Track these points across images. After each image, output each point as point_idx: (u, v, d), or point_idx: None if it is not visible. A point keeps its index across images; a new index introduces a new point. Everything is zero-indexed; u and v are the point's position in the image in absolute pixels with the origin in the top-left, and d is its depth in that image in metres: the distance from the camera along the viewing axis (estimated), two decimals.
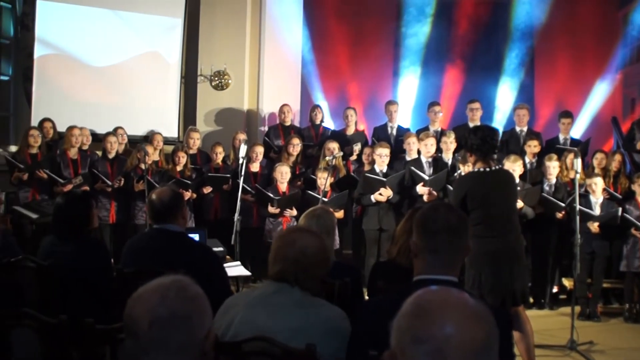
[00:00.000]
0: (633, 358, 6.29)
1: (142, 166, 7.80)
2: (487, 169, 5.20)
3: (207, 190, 8.32)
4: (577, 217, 6.44)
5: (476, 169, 5.27)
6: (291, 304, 2.60)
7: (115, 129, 8.72)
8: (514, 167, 7.36)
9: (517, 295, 5.13)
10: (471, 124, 8.93)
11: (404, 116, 10.95)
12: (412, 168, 7.87)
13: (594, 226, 7.37)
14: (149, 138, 8.89)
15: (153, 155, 8.22)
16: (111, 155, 8.38)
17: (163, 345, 1.75)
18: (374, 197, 7.77)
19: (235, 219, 6.78)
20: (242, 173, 6.97)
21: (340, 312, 2.68)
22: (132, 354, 1.78)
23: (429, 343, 1.44)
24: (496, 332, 1.51)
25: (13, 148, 9.15)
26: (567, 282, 7.85)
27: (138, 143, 8.45)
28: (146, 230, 6.60)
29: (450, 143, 8.18)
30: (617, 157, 8.16)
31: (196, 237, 5.41)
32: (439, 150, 8.30)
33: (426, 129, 8.97)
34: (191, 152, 8.86)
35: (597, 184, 7.52)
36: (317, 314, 2.60)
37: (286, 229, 2.84)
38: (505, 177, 5.37)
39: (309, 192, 7.90)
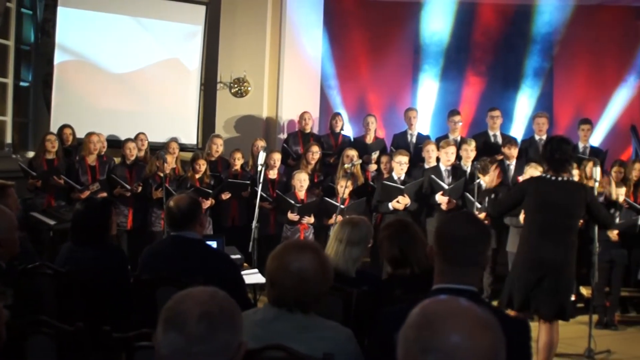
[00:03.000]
0: None
1: (161, 173, 7.85)
2: (554, 178, 5.26)
3: (226, 196, 8.36)
4: (596, 226, 6.41)
5: (545, 175, 5.34)
6: (293, 329, 2.53)
7: (136, 135, 8.79)
8: (534, 174, 7.36)
9: (542, 308, 5.18)
10: (491, 132, 8.95)
11: (423, 123, 10.94)
12: (432, 176, 7.86)
13: (613, 234, 7.35)
14: (165, 145, 8.93)
15: (171, 162, 8.28)
16: (130, 162, 8.46)
17: (208, 341, 1.76)
18: (392, 205, 7.77)
19: (253, 226, 6.80)
20: (261, 180, 7.00)
21: (346, 333, 2.62)
22: (170, 348, 1.77)
23: (435, 353, 1.46)
24: (503, 341, 1.52)
25: (31, 154, 9.23)
26: (585, 291, 7.80)
27: (157, 150, 8.50)
28: (164, 237, 6.64)
29: (470, 151, 8.14)
30: (638, 166, 8.11)
31: (214, 244, 5.43)
32: (458, 158, 8.29)
33: (445, 137, 8.95)
34: (212, 159, 8.89)
35: (618, 194, 7.50)
36: (322, 338, 2.53)
37: (281, 246, 2.69)
38: (572, 191, 5.33)
39: (328, 199, 7.91)
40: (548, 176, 5.28)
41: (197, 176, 8.33)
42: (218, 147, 9.01)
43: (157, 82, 10.09)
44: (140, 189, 8.16)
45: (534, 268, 5.21)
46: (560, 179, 5.24)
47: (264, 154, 6.97)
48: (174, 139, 9.08)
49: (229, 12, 10.31)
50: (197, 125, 10.32)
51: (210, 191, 8.11)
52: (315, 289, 2.55)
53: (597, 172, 6.45)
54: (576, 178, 7.75)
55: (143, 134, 8.91)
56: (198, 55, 10.34)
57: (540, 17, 11.78)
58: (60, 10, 9.49)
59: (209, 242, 4.73)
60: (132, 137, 8.73)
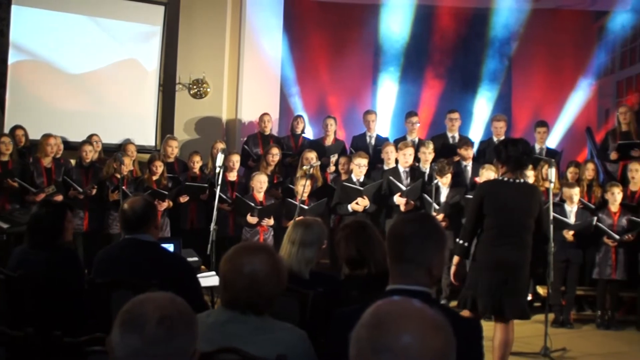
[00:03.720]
0: None
1: (118, 175, 7.76)
2: (512, 180, 5.29)
3: (184, 199, 8.30)
4: (551, 226, 6.52)
5: (501, 178, 5.36)
6: (246, 332, 2.51)
7: (90, 137, 8.67)
8: (489, 176, 7.49)
9: (505, 309, 5.23)
10: (449, 134, 9.03)
11: (383, 125, 11.00)
12: (390, 178, 7.92)
13: (569, 234, 7.48)
14: (122, 147, 8.84)
15: (128, 164, 8.19)
16: (86, 164, 8.34)
17: (165, 345, 1.77)
18: (351, 207, 7.80)
19: (212, 228, 6.75)
20: (219, 182, 6.95)
21: (299, 334, 2.60)
22: (127, 350, 1.77)
23: (387, 353, 1.46)
24: (453, 343, 1.53)
25: None
26: (542, 290, 7.92)
27: (114, 152, 8.40)
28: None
29: (428, 153, 8.23)
30: (591, 166, 8.25)
31: (170, 247, 5.38)
32: (416, 159, 8.36)
33: (404, 138, 9.03)
34: (169, 160, 8.83)
35: (572, 194, 7.63)
36: (275, 340, 2.52)
37: (234, 249, 2.65)
38: (528, 193, 5.39)
39: (289, 199, 7.89)
40: (505, 179, 5.32)
41: (154, 178, 8.25)
42: (173, 149, 8.95)
43: (114, 82, 9.96)
44: (94, 191, 8.05)
45: (497, 270, 5.24)
46: (517, 180, 5.30)
47: (222, 155, 6.91)
48: (132, 141, 8.97)
49: (187, 12, 10.23)
50: (155, 126, 10.22)
51: (166, 193, 8.05)
52: (268, 291, 2.53)
53: (552, 173, 6.57)
54: (532, 179, 7.89)
55: (97, 135, 8.80)
56: (156, 56, 10.24)
57: (498, 20, 11.93)
58: (15, 9, 9.32)
59: (165, 245, 4.68)
60: (88, 138, 8.60)
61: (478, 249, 5.39)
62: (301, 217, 4.19)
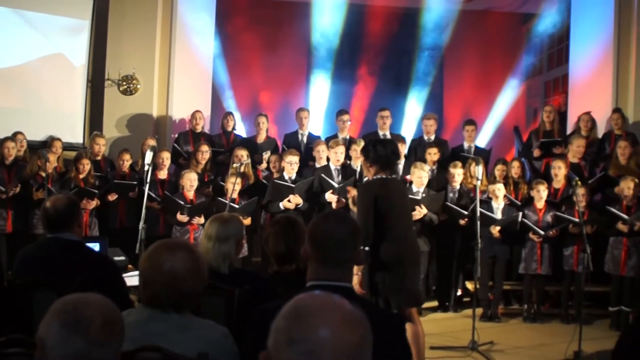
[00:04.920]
0: (530, 356, 6.54)
1: (42, 173, 7.55)
2: (388, 177, 5.37)
3: (113, 197, 8.15)
4: (478, 222, 6.66)
5: (378, 176, 5.39)
6: (168, 330, 2.48)
7: (14, 134, 8.40)
8: (421, 173, 7.60)
9: (416, 296, 5.32)
10: (381, 132, 9.11)
11: (316, 123, 11.03)
12: (322, 175, 7.94)
13: (495, 230, 7.65)
14: (47, 144, 8.60)
15: (53, 161, 7.98)
16: (9, 162, 8.08)
17: (107, 347, 1.82)
18: (283, 204, 7.79)
19: (140, 227, 6.64)
20: (148, 180, 6.84)
21: (222, 331, 2.60)
22: (70, 352, 1.78)
23: (302, 344, 1.47)
24: (370, 339, 1.54)
25: None
26: (470, 285, 8.09)
27: (38, 149, 8.16)
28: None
29: (359, 151, 8.26)
30: (517, 164, 8.46)
31: (96, 246, 5.29)
32: (348, 157, 8.41)
33: (335, 136, 9.07)
34: (96, 158, 8.65)
35: (500, 190, 7.81)
36: (197, 337, 2.51)
37: (154, 246, 2.63)
38: (402, 186, 5.64)
39: (219, 198, 7.83)
40: (385, 177, 5.37)
41: (81, 176, 8.07)
42: (100, 147, 8.78)
43: (40, 78, 9.64)
44: (18, 190, 7.81)
45: (416, 262, 5.40)
46: (392, 177, 5.43)
47: (152, 153, 6.80)
48: (58, 138, 8.73)
49: (117, 7, 10.01)
50: (83, 123, 9.96)
51: (96, 191, 7.88)
52: (188, 289, 2.51)
53: (479, 170, 6.72)
54: (461, 177, 8.05)
55: (21, 133, 8.51)
56: (84, 51, 9.98)
57: (428, 20, 12.10)
58: None
59: (90, 244, 4.60)
60: (11, 135, 8.34)
61: (390, 247, 5.25)
62: (217, 214, 4.17)
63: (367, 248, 5.11)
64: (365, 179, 5.97)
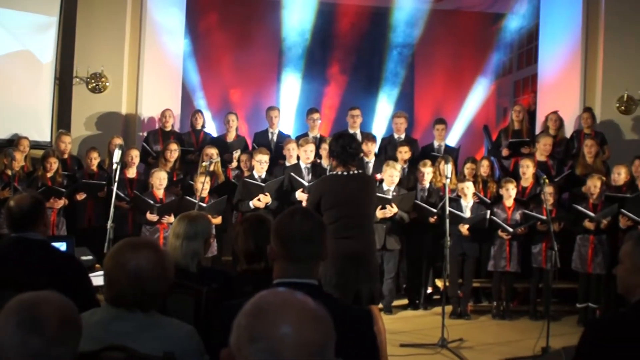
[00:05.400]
0: (499, 352, 6.57)
1: (9, 172, 7.44)
2: (346, 173, 5.36)
3: (81, 196, 8.06)
4: (447, 221, 6.70)
5: (335, 172, 5.42)
6: (133, 329, 2.47)
7: None
8: (393, 172, 7.62)
9: (363, 296, 5.24)
10: (351, 131, 9.11)
11: (287, 122, 11.01)
12: (292, 174, 7.94)
13: (464, 228, 7.70)
14: (14, 142, 8.48)
15: (20, 160, 7.86)
16: None
17: (65, 345, 1.81)
18: (253, 203, 7.76)
19: (109, 226, 6.58)
20: (116, 179, 6.78)
21: (188, 330, 2.59)
22: (28, 351, 1.76)
23: (263, 341, 1.47)
24: (332, 336, 1.54)
25: None
26: (440, 283, 8.13)
27: (5, 147, 8.04)
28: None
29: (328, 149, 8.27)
30: (486, 162, 8.53)
31: (63, 245, 5.22)
32: (318, 156, 8.41)
33: (305, 135, 9.07)
34: (63, 157, 8.54)
35: (468, 189, 7.86)
36: (163, 337, 2.49)
37: (118, 245, 2.61)
38: (363, 183, 5.49)
39: (188, 197, 7.78)
40: (339, 172, 5.39)
41: (49, 175, 7.97)
42: (66, 145, 8.68)
43: (6, 75, 9.43)
44: None
45: (345, 261, 5.21)
46: (350, 172, 5.40)
47: (120, 152, 6.74)
48: (25, 136, 8.60)
49: (85, 3, 9.86)
50: (50, 121, 9.80)
51: (63, 190, 7.79)
52: (153, 288, 2.50)
53: (449, 169, 6.76)
54: (431, 175, 8.09)
55: None
56: (52, 48, 9.81)
57: (398, 19, 12.14)
58: None
59: (57, 244, 4.55)
60: None
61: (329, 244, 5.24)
62: (185, 212, 4.16)
63: None
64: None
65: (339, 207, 5.26)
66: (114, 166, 6.77)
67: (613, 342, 2.46)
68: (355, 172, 5.44)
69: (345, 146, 5.36)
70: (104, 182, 8.11)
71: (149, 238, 2.79)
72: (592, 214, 7.47)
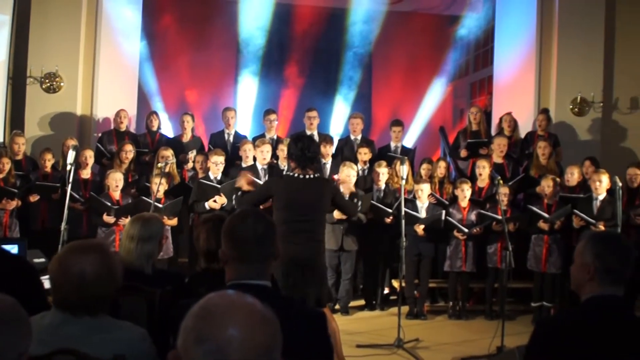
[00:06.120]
0: (455, 351, 6.63)
1: None
2: (302, 176, 5.36)
3: (34, 198, 7.92)
4: (403, 221, 6.75)
5: (292, 173, 5.41)
6: (82, 333, 2.44)
7: None
8: (350, 172, 7.64)
9: (310, 299, 5.24)
10: (308, 132, 9.13)
11: (244, 123, 10.98)
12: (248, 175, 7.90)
13: (420, 229, 7.76)
14: None
15: None
16: None
17: (12, 346, 1.80)
18: (208, 204, 7.71)
19: (62, 228, 6.48)
20: (70, 180, 6.67)
21: (139, 332, 2.57)
22: None
23: (210, 343, 1.46)
24: (280, 337, 1.54)
25: None
26: (397, 284, 8.17)
27: None
28: None
29: (285, 150, 8.26)
30: (443, 164, 8.61)
31: (14, 248, 5.11)
32: (275, 157, 8.40)
33: (262, 136, 9.04)
34: (17, 158, 8.38)
35: (424, 190, 7.92)
36: (113, 339, 2.47)
37: (65, 248, 2.58)
38: (319, 188, 5.48)
39: (144, 198, 7.70)
40: (295, 174, 5.40)
41: (1, 176, 7.81)
42: (20, 146, 8.52)
43: None
44: None
45: (292, 264, 5.21)
46: (307, 176, 5.40)
47: (74, 153, 6.63)
48: None
49: (40, 2, 9.68)
50: (4, 121, 9.61)
51: (15, 191, 7.65)
52: (99, 291, 2.47)
53: (404, 170, 6.80)
54: (386, 176, 8.14)
55: None
56: (5, 47, 9.63)
57: (355, 20, 12.19)
58: None
59: (8, 246, 4.44)
60: None
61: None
62: (138, 214, 4.12)
63: None
64: None
65: (289, 210, 5.26)
66: (68, 167, 6.67)
67: (562, 340, 2.51)
68: (312, 176, 5.41)
69: (304, 149, 5.35)
70: (58, 185, 7.97)
71: (97, 240, 2.73)
72: (546, 215, 7.59)
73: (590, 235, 2.70)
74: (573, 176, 8.09)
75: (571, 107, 9.97)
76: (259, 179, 7.88)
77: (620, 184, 6.70)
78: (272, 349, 1.51)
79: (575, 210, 7.50)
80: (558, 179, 7.94)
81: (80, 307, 2.45)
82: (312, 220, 5.37)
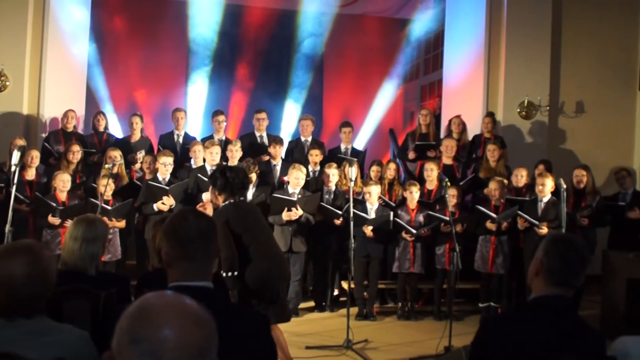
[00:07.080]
0: (404, 352, 6.69)
1: None
2: (237, 200, 5.36)
3: None
4: (352, 223, 6.79)
5: (228, 202, 5.36)
6: (20, 336, 2.40)
7: None
8: (299, 174, 7.65)
9: (287, 312, 5.40)
10: (257, 133, 9.14)
11: (194, 124, 10.90)
12: (198, 175, 7.87)
13: (368, 230, 7.79)
14: None
15: None
16: None
17: None
18: (157, 206, 7.62)
19: (7, 230, 6.35)
20: (15, 181, 6.54)
21: (79, 335, 2.54)
22: None
23: (144, 344, 1.46)
24: (215, 339, 1.54)
25: None
26: (346, 285, 8.20)
27: None
28: None
29: (235, 151, 8.26)
30: (392, 165, 8.68)
31: None
32: (224, 158, 8.36)
33: (211, 137, 9.00)
34: None
35: (372, 192, 7.96)
36: (53, 342, 2.43)
37: None
38: (255, 207, 5.75)
39: (92, 199, 7.58)
40: (238, 200, 5.38)
41: None
42: None
43: None
44: None
45: (283, 277, 5.43)
46: (242, 199, 5.44)
47: (19, 153, 6.50)
48: None
49: None
50: None
51: None
52: (31, 294, 2.43)
53: (353, 171, 6.85)
54: (336, 177, 8.17)
55: None
56: None
57: (305, 22, 12.22)
58: None
59: None
60: None
61: (249, 270, 5.16)
62: (82, 215, 4.07)
63: (235, 273, 5.09)
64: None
65: (251, 231, 5.27)
66: (13, 168, 6.54)
67: (506, 338, 2.57)
68: (241, 199, 5.41)
69: (233, 178, 5.34)
70: (3, 185, 7.79)
71: (26, 241, 2.68)
72: (493, 214, 7.69)
73: (551, 235, 2.79)
74: (521, 178, 8.23)
75: (518, 110, 10.14)
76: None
77: (564, 186, 6.84)
78: (207, 350, 1.51)
79: (519, 212, 7.62)
80: (505, 181, 8.07)
81: (14, 310, 2.41)
82: (266, 235, 5.56)
